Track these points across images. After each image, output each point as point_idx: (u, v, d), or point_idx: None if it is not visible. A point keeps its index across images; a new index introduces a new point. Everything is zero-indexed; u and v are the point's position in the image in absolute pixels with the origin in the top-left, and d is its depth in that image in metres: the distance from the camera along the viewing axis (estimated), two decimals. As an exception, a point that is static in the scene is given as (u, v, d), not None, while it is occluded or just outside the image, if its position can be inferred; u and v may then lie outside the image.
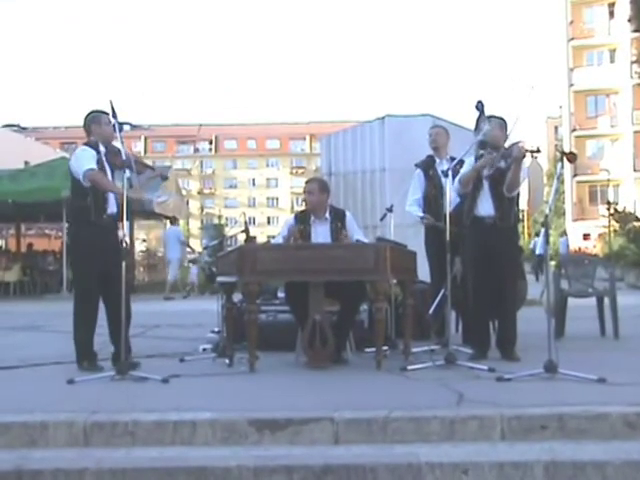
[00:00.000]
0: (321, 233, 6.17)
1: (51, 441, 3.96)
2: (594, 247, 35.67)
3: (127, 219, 5.51)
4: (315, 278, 5.63)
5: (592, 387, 4.66)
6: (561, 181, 40.35)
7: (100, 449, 3.89)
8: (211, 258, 8.11)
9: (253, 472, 3.61)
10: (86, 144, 5.84)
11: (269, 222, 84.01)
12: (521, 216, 36.11)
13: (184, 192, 37.22)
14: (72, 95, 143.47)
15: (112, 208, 5.80)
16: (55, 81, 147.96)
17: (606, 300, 7.60)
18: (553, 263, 11.21)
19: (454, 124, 10.35)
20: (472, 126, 6.45)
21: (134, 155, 5.62)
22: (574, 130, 46.26)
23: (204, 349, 6.71)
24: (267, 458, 3.70)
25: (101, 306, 5.77)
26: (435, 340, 6.60)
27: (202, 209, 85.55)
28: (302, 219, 6.29)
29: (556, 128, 64.43)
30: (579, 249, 36.18)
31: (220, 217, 64.17)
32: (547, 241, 5.24)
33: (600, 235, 33.17)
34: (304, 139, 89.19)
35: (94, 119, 5.87)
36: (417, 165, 7.13)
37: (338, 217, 6.27)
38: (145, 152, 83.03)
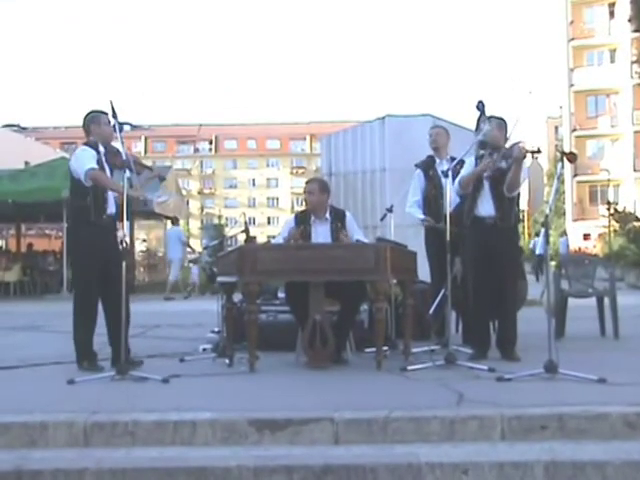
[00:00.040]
0: (321, 233, 6.17)
1: (51, 441, 3.95)
2: (594, 247, 35.67)
3: (127, 219, 5.51)
4: (315, 278, 5.63)
5: (592, 387, 4.66)
6: (561, 181, 40.30)
7: (100, 449, 3.89)
8: (211, 258, 8.10)
9: (253, 472, 3.61)
10: (86, 144, 5.84)
11: (269, 222, 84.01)
12: (521, 216, 36.09)
13: (184, 192, 37.21)
14: (72, 95, 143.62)
15: (111, 208, 5.81)
16: (55, 81, 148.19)
17: (606, 300, 7.60)
18: (553, 263, 11.21)
19: (454, 124, 10.35)
20: (472, 126, 6.46)
21: (133, 155, 5.62)
22: (574, 130, 46.26)
23: (204, 349, 6.71)
24: (267, 458, 3.70)
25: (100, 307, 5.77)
26: (435, 340, 6.60)
27: (202, 209, 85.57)
28: (302, 219, 6.29)
29: (556, 128, 64.46)
30: (579, 249, 36.18)
31: (220, 217, 64.24)
32: (547, 241, 5.24)
33: (600, 235, 33.17)
34: (304, 139, 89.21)
35: (93, 119, 5.87)
36: (417, 165, 7.13)
37: (338, 217, 6.27)
38: (145, 152, 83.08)
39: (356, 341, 6.30)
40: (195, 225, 70.24)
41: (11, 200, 16.97)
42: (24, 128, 64.24)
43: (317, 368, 5.61)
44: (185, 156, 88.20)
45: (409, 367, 5.46)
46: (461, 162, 6.21)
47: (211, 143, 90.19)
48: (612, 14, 44.91)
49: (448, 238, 5.58)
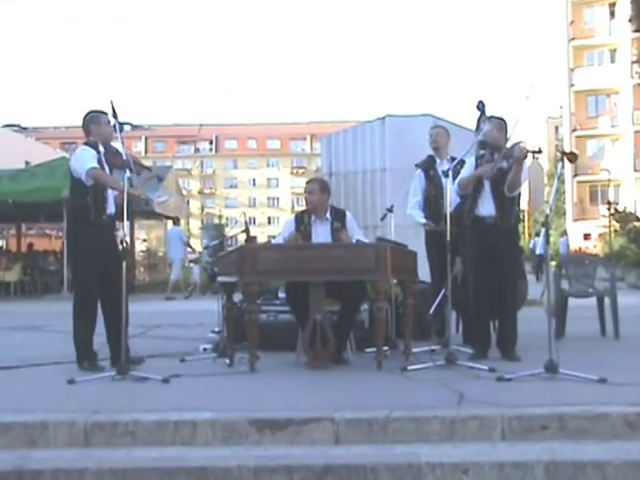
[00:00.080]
0: (322, 233, 6.17)
1: (51, 441, 3.96)
2: (594, 247, 35.65)
3: (127, 219, 5.51)
4: (316, 278, 5.63)
5: (592, 387, 4.66)
6: (562, 181, 40.30)
7: (100, 449, 3.89)
8: (211, 258, 8.11)
9: (253, 472, 3.61)
10: (86, 144, 5.84)
11: (269, 222, 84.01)
12: (522, 216, 36.08)
13: (184, 192, 37.16)
14: (72, 95, 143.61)
15: (111, 208, 5.81)
16: (55, 81, 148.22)
17: (607, 300, 7.60)
18: (554, 263, 11.21)
19: (455, 124, 10.35)
20: (473, 126, 6.46)
21: (132, 156, 5.63)
22: (575, 130, 46.25)
23: (205, 349, 6.71)
24: (267, 458, 3.70)
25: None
26: (435, 340, 6.60)
27: (202, 209, 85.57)
28: (303, 219, 6.29)
29: (557, 128, 64.44)
30: (579, 249, 36.17)
31: (220, 217, 64.25)
32: (547, 241, 5.24)
33: (600, 235, 33.16)
34: (305, 139, 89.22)
35: (93, 119, 5.87)
36: (417, 165, 7.13)
37: (339, 217, 6.27)
38: (146, 152, 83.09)
39: (356, 341, 6.30)
40: (195, 225, 70.22)
41: (11, 200, 16.97)
42: (24, 128, 64.29)
43: (317, 368, 5.61)
44: (185, 156, 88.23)
45: (409, 367, 5.46)
46: (461, 162, 6.21)
47: (211, 143, 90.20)
48: (612, 14, 44.90)
49: (448, 238, 5.58)
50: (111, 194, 5.81)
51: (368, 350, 6.10)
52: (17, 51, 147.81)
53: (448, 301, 5.74)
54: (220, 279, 6.41)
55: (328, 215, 6.24)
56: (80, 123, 5.97)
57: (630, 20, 27.54)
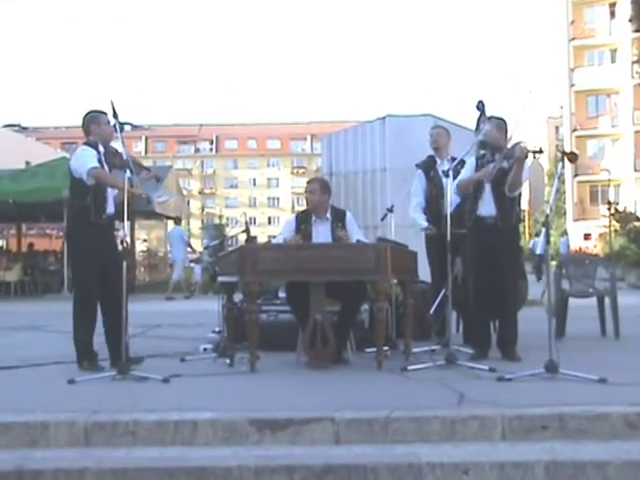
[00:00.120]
0: (322, 233, 6.17)
1: (52, 441, 3.96)
2: (595, 247, 35.63)
3: (127, 219, 5.51)
4: (316, 278, 5.63)
5: (593, 387, 4.66)
6: (562, 181, 40.32)
7: (101, 449, 3.89)
8: (212, 258, 8.11)
9: (254, 472, 3.61)
10: (86, 144, 5.85)
11: (270, 222, 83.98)
12: (522, 216, 36.07)
13: (185, 192, 37.18)
14: (73, 95, 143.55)
15: (111, 208, 5.81)
16: (55, 81, 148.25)
17: (607, 300, 7.60)
18: (554, 263, 11.22)
19: (455, 124, 10.35)
20: (473, 126, 6.46)
21: (131, 155, 5.63)
22: (575, 130, 46.24)
23: (205, 349, 6.71)
24: (268, 458, 3.70)
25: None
26: (436, 340, 6.60)
27: (203, 209, 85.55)
28: (303, 219, 6.30)
29: (557, 128, 64.42)
30: (580, 249, 36.16)
31: (221, 217, 64.19)
32: (548, 241, 5.24)
33: (601, 235, 33.13)
34: (305, 139, 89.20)
35: (93, 119, 5.87)
36: (418, 165, 7.13)
37: (339, 217, 6.27)
38: (146, 152, 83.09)
39: (357, 341, 6.30)
40: (196, 225, 70.22)
41: (12, 200, 16.98)
42: (25, 128, 64.26)
43: (318, 368, 5.61)
44: (186, 156, 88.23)
45: (410, 367, 5.46)
46: (462, 162, 6.21)
47: (212, 143, 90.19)
48: (613, 14, 44.90)
49: (449, 238, 5.58)
50: (111, 194, 5.82)
51: (368, 350, 6.10)
52: (17, 51, 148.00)
53: (448, 301, 5.74)
54: (220, 279, 6.41)
55: (328, 215, 6.25)
56: (80, 123, 5.97)
57: (630, 20, 27.55)
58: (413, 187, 7.08)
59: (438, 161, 6.99)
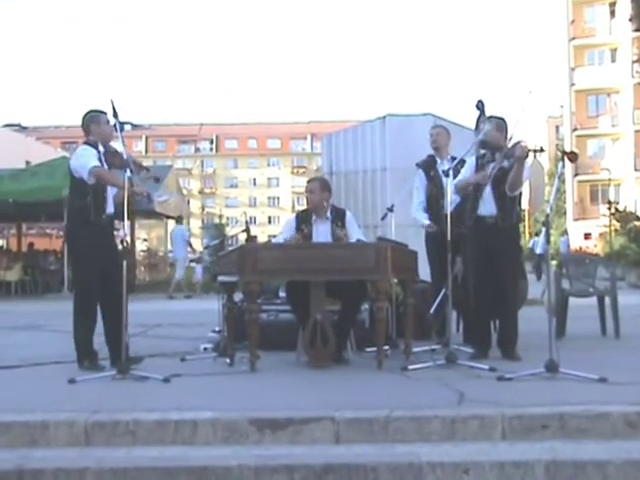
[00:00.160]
0: (322, 232, 6.17)
1: (52, 440, 3.96)
2: (595, 246, 35.63)
3: (127, 218, 5.51)
4: (316, 277, 5.63)
5: (593, 386, 4.66)
6: (562, 180, 40.32)
7: (101, 448, 3.89)
8: (212, 258, 8.12)
9: (254, 471, 3.61)
10: (86, 143, 5.84)
11: (270, 222, 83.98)
12: (522, 216, 36.07)
13: (185, 192, 37.22)
14: (73, 95, 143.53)
15: (110, 208, 5.81)
16: (55, 81, 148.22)
17: (607, 299, 7.60)
18: (554, 262, 11.21)
19: (455, 124, 10.34)
20: (473, 126, 6.46)
21: (130, 155, 5.63)
22: (575, 129, 46.24)
23: (205, 348, 6.71)
24: (268, 457, 3.70)
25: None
26: (436, 340, 6.60)
27: (203, 209, 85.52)
28: (303, 218, 6.30)
29: (557, 127, 64.42)
30: (580, 248, 36.17)
31: (221, 217, 64.03)
32: (548, 240, 5.24)
33: (601, 234, 33.13)
34: (305, 139, 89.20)
35: (93, 119, 5.87)
36: (418, 165, 7.12)
37: (339, 216, 6.27)
38: (146, 152, 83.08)
39: (357, 340, 6.30)
40: (196, 225, 70.18)
41: (12, 199, 16.98)
42: (25, 128, 64.34)
43: (318, 367, 5.61)
44: (186, 155, 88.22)
45: (410, 366, 5.46)
46: (462, 162, 6.21)
47: (212, 142, 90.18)
48: (613, 13, 44.89)
49: (449, 238, 5.58)
50: (110, 194, 5.81)
51: (368, 349, 6.10)
52: (17, 51, 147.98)
53: (449, 300, 5.74)
54: (221, 278, 6.41)
55: (329, 214, 6.25)
56: (80, 122, 5.97)
57: (630, 19, 27.57)
58: (415, 187, 7.07)
59: (438, 161, 6.99)
